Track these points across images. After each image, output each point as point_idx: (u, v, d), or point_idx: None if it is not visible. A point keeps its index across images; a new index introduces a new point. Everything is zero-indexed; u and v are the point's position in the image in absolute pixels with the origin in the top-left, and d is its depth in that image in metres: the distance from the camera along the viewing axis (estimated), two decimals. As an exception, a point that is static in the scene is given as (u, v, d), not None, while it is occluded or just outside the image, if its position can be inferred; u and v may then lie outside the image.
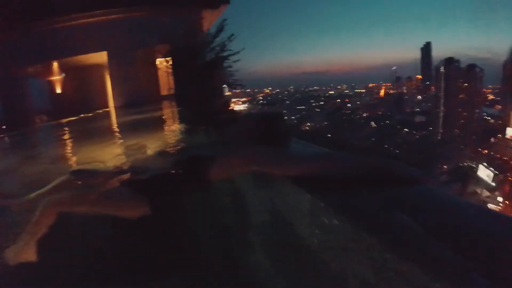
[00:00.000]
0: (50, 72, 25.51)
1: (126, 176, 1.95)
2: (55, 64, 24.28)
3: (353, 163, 1.53)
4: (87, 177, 1.97)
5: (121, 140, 5.35)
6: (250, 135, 1.89)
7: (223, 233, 2.10)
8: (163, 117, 10.01)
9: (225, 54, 12.65)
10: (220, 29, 12.80)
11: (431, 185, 1.48)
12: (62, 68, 25.57)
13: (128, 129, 7.63)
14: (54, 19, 21.04)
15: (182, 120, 6.92)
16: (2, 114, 21.62)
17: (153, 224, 1.77)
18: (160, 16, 20.17)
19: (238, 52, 12.74)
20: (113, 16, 21.31)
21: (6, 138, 13.92)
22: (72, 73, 26.18)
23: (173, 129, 5.33)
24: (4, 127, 18.87)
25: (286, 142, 1.94)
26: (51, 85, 26.81)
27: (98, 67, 25.66)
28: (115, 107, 21.99)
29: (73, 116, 19.34)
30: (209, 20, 17.49)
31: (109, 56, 21.97)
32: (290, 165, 1.55)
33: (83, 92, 26.04)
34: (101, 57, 22.49)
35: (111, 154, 4.05)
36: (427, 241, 0.99)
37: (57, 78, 26.54)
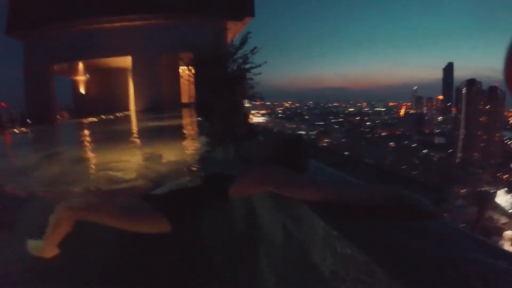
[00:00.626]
0: (75, 72, 26.19)
1: (144, 188, 1.97)
2: (81, 65, 24.92)
3: (369, 192, 1.53)
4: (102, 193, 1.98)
5: (140, 147, 5.37)
6: (268, 156, 1.90)
7: (235, 253, 2.11)
8: (183, 126, 10.02)
9: (247, 66, 12.81)
10: (244, 41, 12.90)
11: (443, 219, 1.48)
12: (87, 69, 26.29)
13: (147, 135, 7.73)
14: (83, 21, 21.67)
15: (201, 130, 6.93)
16: (28, 109, 22.25)
17: (168, 240, 1.78)
18: (185, 24, 20.62)
19: (260, 65, 12.87)
20: (139, 22, 21.88)
21: (29, 134, 14.24)
22: (97, 74, 26.85)
23: (191, 140, 5.34)
24: (29, 121, 19.30)
25: (304, 165, 1.94)
26: (75, 84, 27.56)
27: (122, 70, 26.20)
28: (136, 111, 22.33)
29: (94, 117, 19.73)
30: (234, 32, 17.60)
31: (133, 60, 22.47)
32: (306, 189, 1.55)
33: (105, 93, 26.52)
34: (125, 61, 23.00)
35: (129, 161, 4.07)
36: (438, 277, 0.99)
37: (81, 78, 27.21)
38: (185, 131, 8.25)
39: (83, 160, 4.61)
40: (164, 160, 4.03)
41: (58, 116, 23.66)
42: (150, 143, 5.76)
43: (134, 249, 1.97)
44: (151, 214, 1.69)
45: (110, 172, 3.60)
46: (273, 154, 1.88)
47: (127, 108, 25.59)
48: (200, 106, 13.89)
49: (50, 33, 21.68)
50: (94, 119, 17.86)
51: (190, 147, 4.74)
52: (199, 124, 8.81)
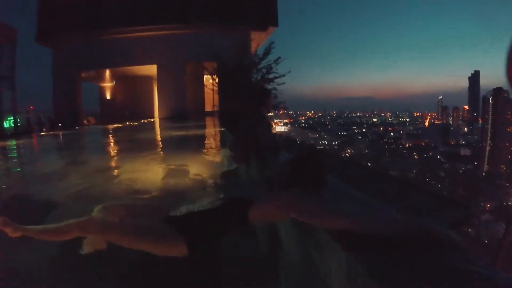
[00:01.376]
0: (102, 78, 26.98)
1: (164, 210, 1.95)
2: (108, 72, 25.58)
3: (394, 224, 1.47)
4: (120, 210, 1.96)
5: (162, 159, 5.34)
6: (289, 175, 1.86)
7: (254, 279, 2.07)
8: (206, 137, 10.00)
9: (271, 76, 12.81)
10: (267, 51, 12.98)
11: (468, 253, 1.41)
12: (113, 76, 27.06)
13: (170, 145, 7.70)
14: (111, 30, 22.35)
15: (225, 142, 6.92)
16: (55, 113, 22.90)
17: (186, 263, 1.77)
18: (210, 34, 21.08)
19: (283, 75, 12.89)
20: (165, 32, 22.37)
21: (57, 138, 14.49)
22: (123, 81, 27.73)
23: (215, 153, 5.30)
24: (60, 125, 19.79)
25: (323, 185, 1.90)
26: (102, 90, 28.46)
27: (147, 78, 26.86)
28: (160, 118, 22.69)
29: (120, 123, 20.22)
30: (257, 41, 17.81)
31: (158, 69, 22.94)
32: (329, 218, 1.50)
33: (131, 100, 27.42)
34: (151, 69, 23.53)
35: (151, 176, 4.05)
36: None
37: (108, 85, 28.00)
38: (209, 142, 8.23)
39: (106, 170, 4.66)
40: (186, 175, 4.02)
41: (84, 121, 24.24)
42: (174, 154, 5.76)
43: (151, 270, 1.96)
44: (170, 237, 1.67)
45: (132, 185, 3.61)
46: (293, 175, 1.84)
47: (151, 115, 26.08)
48: (224, 115, 13.99)
49: (78, 41, 22.42)
50: (119, 125, 18.22)
51: (213, 161, 4.71)
52: (223, 135, 8.83)
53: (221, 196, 1.82)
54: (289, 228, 1.92)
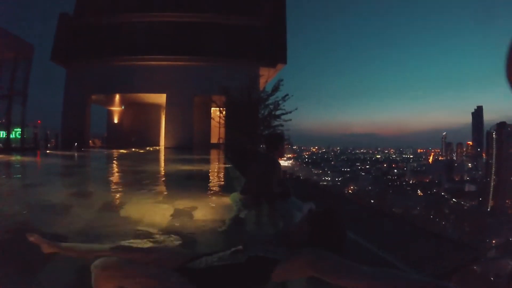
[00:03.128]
0: (111, 103, 27.45)
1: (176, 258, 1.94)
2: (117, 97, 25.92)
3: (410, 285, 1.49)
4: (135, 253, 1.95)
5: (170, 198, 5.17)
6: (307, 233, 1.87)
7: None
8: (214, 174, 9.89)
9: (278, 112, 12.95)
10: (276, 88, 13.17)
11: None
12: (123, 101, 27.46)
13: (178, 181, 7.61)
14: (124, 57, 22.91)
15: (232, 182, 6.92)
16: (63, 132, 23.11)
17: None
18: (220, 68, 21.43)
19: (290, 112, 13.02)
20: (176, 63, 22.92)
21: (64, 158, 14.58)
22: (131, 107, 28.13)
23: (224, 195, 5.21)
24: (76, 144, 19.96)
25: (342, 243, 1.91)
26: (110, 114, 28.99)
27: (155, 106, 27.21)
28: (166, 147, 22.89)
29: (125, 149, 20.27)
30: (266, 77, 18.14)
31: (168, 98, 23.34)
32: (349, 277, 1.53)
33: (138, 126, 27.73)
34: (160, 98, 23.92)
35: (156, 218, 3.95)
36: None
37: (117, 109, 28.44)
38: (217, 181, 8.11)
39: (113, 208, 4.58)
40: (195, 218, 3.99)
41: (90, 142, 24.40)
42: (181, 192, 5.68)
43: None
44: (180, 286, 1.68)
45: (136, 226, 3.58)
46: (311, 232, 1.85)
47: (157, 143, 26.23)
48: (229, 148, 13.99)
49: (92, 64, 23.04)
50: (125, 151, 18.21)
51: (223, 204, 4.65)
52: (231, 172, 8.78)
53: (240, 249, 1.81)
54: (306, 285, 1.93)
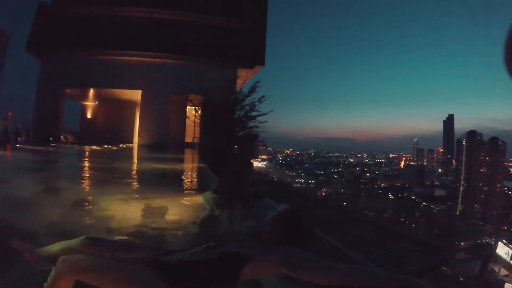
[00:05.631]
0: (86, 97, 26.73)
1: (147, 252, 1.88)
2: (92, 92, 25.31)
3: (382, 280, 1.50)
4: (105, 246, 1.90)
5: (142, 194, 5.15)
6: (279, 231, 1.86)
7: None
8: (188, 172, 9.81)
9: (254, 114, 12.94)
10: (253, 90, 13.17)
11: None
12: (97, 97, 26.84)
13: (150, 178, 7.57)
14: (101, 51, 22.39)
15: (206, 181, 6.89)
16: (35, 126, 22.37)
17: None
18: (198, 67, 21.28)
19: (266, 113, 13.04)
20: (154, 59, 22.64)
21: (34, 153, 14.07)
22: (106, 103, 27.58)
23: (197, 194, 5.17)
24: (52, 139, 19.31)
25: (311, 241, 1.92)
26: (84, 109, 28.19)
27: (130, 103, 26.74)
28: (139, 145, 22.47)
29: (98, 145, 19.83)
30: (244, 78, 18.15)
31: (143, 95, 22.92)
32: (323, 274, 1.52)
33: (112, 123, 27.23)
34: (135, 94, 23.50)
35: (130, 213, 3.91)
36: None
37: (91, 104, 27.75)
38: (191, 180, 8.04)
39: (83, 204, 4.47)
40: (167, 216, 3.94)
41: (62, 137, 23.74)
42: (153, 189, 5.61)
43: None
44: (157, 285, 1.63)
45: (107, 222, 3.50)
46: (282, 231, 1.85)
47: (130, 141, 25.77)
48: (204, 147, 13.88)
49: (68, 57, 22.33)
50: (97, 148, 17.84)
51: (196, 203, 4.60)
52: (205, 172, 8.71)
53: (212, 245, 1.78)
54: (276, 282, 1.90)
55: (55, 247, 1.92)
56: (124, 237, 3.01)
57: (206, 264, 1.70)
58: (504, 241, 49.15)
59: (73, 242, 1.87)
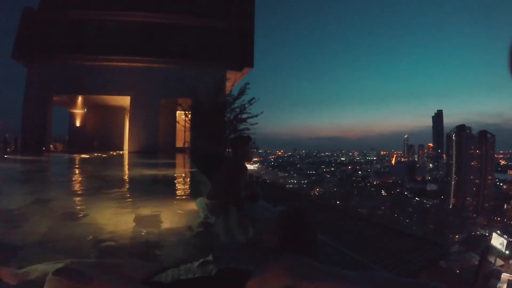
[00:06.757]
0: (74, 104, 26.32)
1: (139, 273, 1.78)
2: (80, 99, 25.00)
3: (395, 286, 1.40)
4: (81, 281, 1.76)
5: (132, 205, 4.93)
6: (279, 237, 1.75)
7: None
8: (180, 179, 9.64)
9: (244, 116, 12.93)
10: (242, 92, 13.17)
11: None
12: (86, 104, 26.48)
13: (142, 187, 7.34)
14: (88, 57, 22.10)
15: (198, 186, 6.73)
16: (22, 134, 21.99)
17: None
18: (186, 71, 21.20)
19: (256, 115, 13.05)
20: (142, 64, 22.39)
21: (24, 163, 13.72)
22: (94, 110, 27.15)
23: (190, 201, 5.04)
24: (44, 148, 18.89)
25: (313, 245, 1.80)
26: (72, 117, 27.64)
27: (119, 109, 26.54)
28: (130, 152, 22.25)
29: (87, 153, 19.50)
30: (233, 80, 18.10)
31: (132, 100, 22.68)
32: (332, 284, 1.40)
33: (101, 130, 26.79)
34: (124, 100, 23.31)
35: (119, 226, 3.75)
36: None
37: (79, 111, 27.31)
38: (183, 186, 7.91)
39: (74, 216, 4.32)
40: (161, 227, 3.81)
41: (51, 146, 23.38)
42: (145, 198, 5.45)
43: None
44: None
45: (98, 235, 3.37)
46: (283, 235, 1.74)
47: (121, 148, 25.54)
48: (195, 152, 13.79)
49: (54, 63, 21.93)
50: (87, 156, 17.55)
51: (190, 210, 4.47)
52: (197, 177, 8.59)
53: (209, 260, 1.68)
54: None
55: (39, 267, 1.81)
56: (115, 249, 2.89)
57: (203, 283, 1.59)
58: (498, 231, 49.80)
59: (57, 265, 1.75)
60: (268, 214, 1.87)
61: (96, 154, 19.09)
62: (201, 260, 1.68)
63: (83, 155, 17.98)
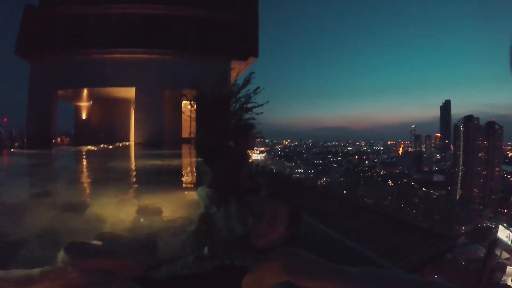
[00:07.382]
0: (79, 98, 26.28)
1: (134, 264, 1.72)
2: (85, 92, 24.92)
3: (400, 285, 1.30)
4: (87, 255, 1.71)
5: (136, 194, 5.05)
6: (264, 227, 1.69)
7: None
8: (183, 169, 9.63)
9: (249, 105, 12.86)
10: (247, 81, 13.08)
11: None
12: (91, 96, 26.37)
13: (145, 177, 7.37)
14: (92, 50, 21.99)
15: (201, 177, 6.64)
16: (28, 130, 22.15)
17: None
18: (191, 61, 21.06)
19: (262, 105, 12.98)
20: (146, 56, 22.25)
21: (31, 158, 13.82)
22: (100, 103, 27.04)
23: (191, 191, 5.01)
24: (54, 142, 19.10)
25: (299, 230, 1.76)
26: (78, 110, 27.65)
27: (124, 101, 26.40)
28: (135, 143, 22.27)
29: (94, 145, 19.48)
30: (237, 70, 18.00)
31: (137, 92, 22.59)
32: (332, 280, 1.31)
33: (106, 122, 26.74)
34: (129, 92, 23.14)
35: (122, 217, 3.75)
36: None
37: (84, 104, 27.31)
38: (185, 176, 7.95)
39: (74, 208, 4.30)
40: (161, 217, 3.78)
41: (58, 139, 23.54)
42: (148, 189, 5.43)
43: None
44: None
45: (98, 225, 3.35)
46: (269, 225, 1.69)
47: (127, 139, 25.56)
48: (200, 142, 13.80)
49: (58, 58, 21.88)
50: (93, 148, 17.66)
51: (190, 201, 4.44)
52: (200, 168, 8.55)
53: (204, 255, 1.62)
54: None
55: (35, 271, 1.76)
56: (115, 239, 2.86)
57: (199, 279, 1.55)
58: (505, 224, 49.60)
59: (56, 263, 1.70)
60: (257, 204, 1.82)
61: (102, 146, 19.19)
62: (196, 254, 1.63)
63: (89, 147, 18.08)
